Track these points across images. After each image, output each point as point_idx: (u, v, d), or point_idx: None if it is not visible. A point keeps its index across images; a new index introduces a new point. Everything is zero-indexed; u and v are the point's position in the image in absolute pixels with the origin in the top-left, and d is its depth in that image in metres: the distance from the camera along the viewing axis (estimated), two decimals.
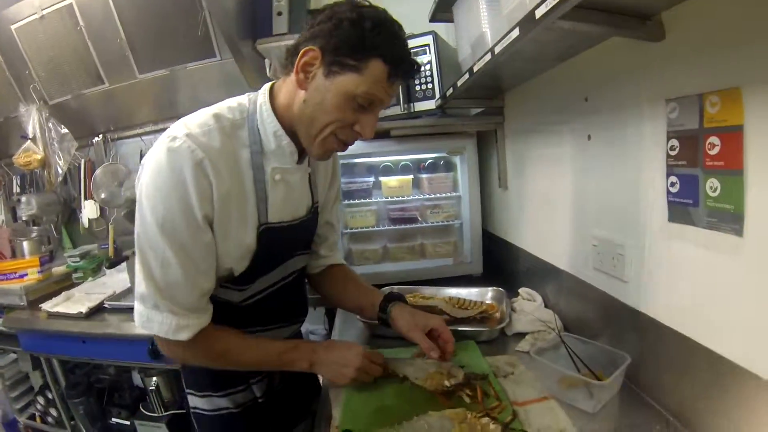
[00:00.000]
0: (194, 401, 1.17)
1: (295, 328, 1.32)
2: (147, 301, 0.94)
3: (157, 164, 0.90)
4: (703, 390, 0.88)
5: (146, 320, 0.95)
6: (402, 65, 0.96)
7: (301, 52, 0.93)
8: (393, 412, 1.04)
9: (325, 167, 1.27)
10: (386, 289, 1.67)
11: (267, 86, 1.04)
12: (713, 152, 0.82)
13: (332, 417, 1.08)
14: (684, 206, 0.90)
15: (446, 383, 1.09)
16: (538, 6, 0.79)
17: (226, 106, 1.01)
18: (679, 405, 0.97)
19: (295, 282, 1.25)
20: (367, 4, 0.95)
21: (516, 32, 0.91)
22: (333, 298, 1.42)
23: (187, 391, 1.19)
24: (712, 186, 0.83)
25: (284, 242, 1.14)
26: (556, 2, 0.73)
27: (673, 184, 0.93)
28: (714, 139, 0.81)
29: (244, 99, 1.04)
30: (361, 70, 0.92)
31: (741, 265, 0.79)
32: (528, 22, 0.85)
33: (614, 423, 1.01)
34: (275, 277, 1.16)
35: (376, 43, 0.91)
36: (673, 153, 0.92)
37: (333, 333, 1.59)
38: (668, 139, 0.93)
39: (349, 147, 1.06)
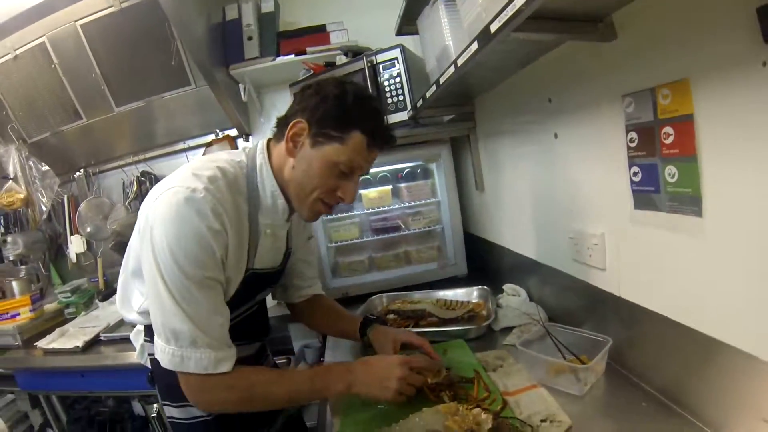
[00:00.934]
0: (170, 411, 1.20)
1: (256, 345, 1.38)
2: (183, 339, 0.96)
3: (178, 212, 0.94)
4: (684, 365, 0.93)
5: (181, 359, 0.97)
6: (379, 136, 1.09)
7: (291, 124, 1.05)
8: (390, 414, 1.07)
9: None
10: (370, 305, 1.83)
11: (263, 146, 1.14)
12: (668, 141, 0.88)
13: (333, 424, 1.12)
14: (647, 193, 0.96)
15: (429, 380, 1.14)
16: (492, 21, 0.84)
17: (228, 159, 1.09)
18: (663, 381, 1.02)
19: (260, 309, 1.36)
20: (350, 81, 1.10)
21: (475, 45, 0.96)
22: (315, 326, 1.54)
23: (163, 402, 1.22)
24: (670, 173, 0.89)
25: (261, 283, 1.24)
26: (508, 17, 0.78)
27: (635, 174, 0.99)
28: (668, 129, 0.87)
29: (242, 155, 1.13)
30: (343, 140, 1.04)
31: (704, 242, 0.84)
32: (485, 36, 0.90)
33: (603, 403, 1.05)
34: (247, 306, 1.25)
35: (356, 116, 1.04)
36: (632, 145, 0.98)
37: (327, 344, 1.63)
38: (627, 132, 0.99)
39: None
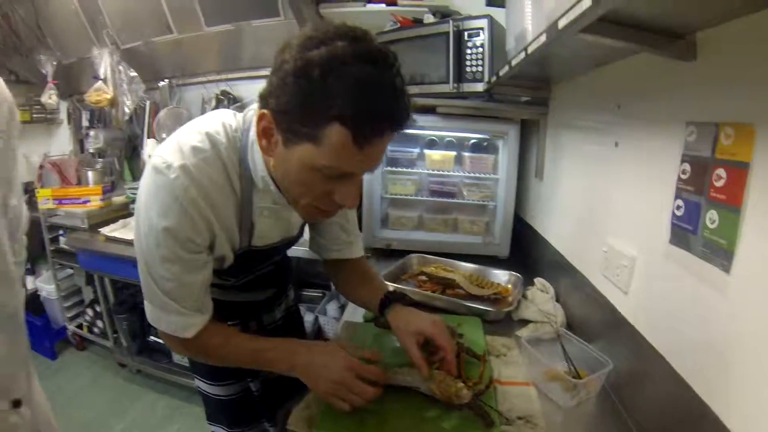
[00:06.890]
0: (198, 382, 1.28)
1: (269, 292, 1.33)
2: (154, 302, 0.95)
3: (151, 190, 0.86)
4: (673, 418, 0.90)
5: (155, 318, 0.97)
6: (369, 121, 0.73)
7: (257, 115, 0.82)
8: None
9: None
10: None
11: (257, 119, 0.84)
12: (718, 184, 0.81)
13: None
14: (684, 231, 0.91)
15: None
16: (560, 17, 0.79)
17: (227, 124, 0.92)
18: (648, 425, 0.99)
19: (277, 268, 1.28)
20: (318, 34, 0.73)
21: (543, 38, 0.92)
22: (338, 288, 1.40)
23: (194, 375, 1.30)
24: (711, 217, 0.83)
25: (266, 255, 1.15)
26: (575, 16, 0.73)
27: (678, 207, 0.93)
28: (721, 171, 0.81)
29: (233, 122, 0.93)
30: (316, 139, 0.74)
31: (724, 301, 0.79)
32: (552, 30, 0.86)
33: (583, 423, 1.06)
34: (261, 269, 1.21)
35: (327, 99, 0.70)
36: (684, 176, 0.92)
37: (346, 309, 1.63)
38: (682, 162, 0.92)
39: None
